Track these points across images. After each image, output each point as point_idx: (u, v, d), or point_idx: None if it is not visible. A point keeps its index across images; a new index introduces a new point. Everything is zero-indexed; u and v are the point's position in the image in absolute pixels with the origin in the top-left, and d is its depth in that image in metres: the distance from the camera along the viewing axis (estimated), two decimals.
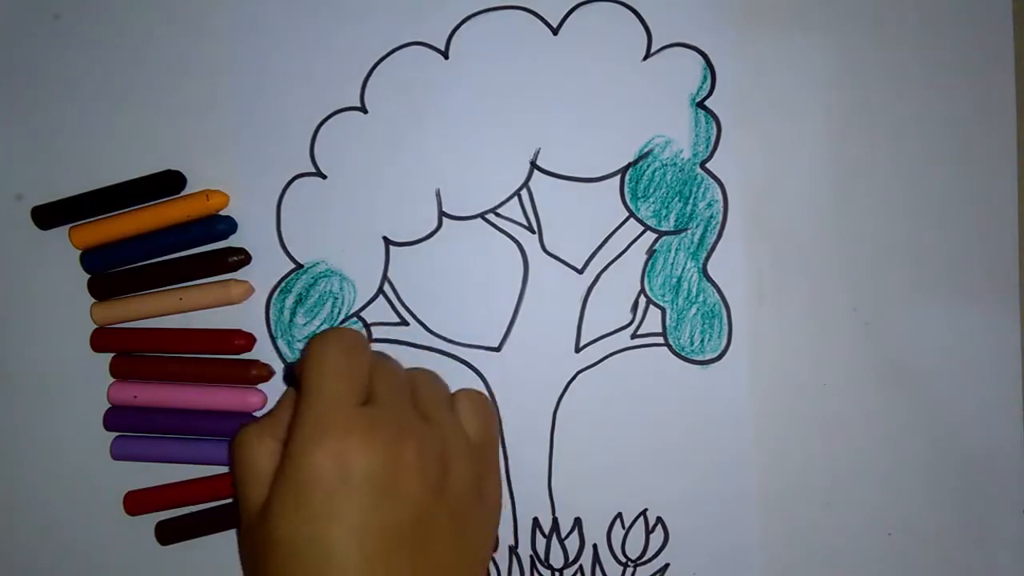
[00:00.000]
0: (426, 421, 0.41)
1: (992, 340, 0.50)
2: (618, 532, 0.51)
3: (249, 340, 0.52)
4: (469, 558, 0.42)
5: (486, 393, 0.49)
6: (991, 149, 0.49)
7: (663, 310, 0.50)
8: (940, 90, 0.49)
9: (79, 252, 0.53)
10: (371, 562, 0.37)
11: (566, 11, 0.50)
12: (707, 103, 0.49)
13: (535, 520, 0.51)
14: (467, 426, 0.44)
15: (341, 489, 0.37)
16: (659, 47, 0.49)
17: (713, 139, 0.49)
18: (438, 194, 0.50)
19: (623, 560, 0.51)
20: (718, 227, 0.50)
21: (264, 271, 0.52)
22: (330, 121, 0.51)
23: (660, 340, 0.50)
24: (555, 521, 0.51)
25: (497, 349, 0.51)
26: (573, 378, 0.50)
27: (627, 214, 0.50)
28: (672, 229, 0.50)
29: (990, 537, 0.50)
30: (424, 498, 0.39)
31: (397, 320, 0.51)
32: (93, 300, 0.53)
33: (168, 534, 0.53)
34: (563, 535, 0.51)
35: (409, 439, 0.39)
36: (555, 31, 0.50)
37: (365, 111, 0.51)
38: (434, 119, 0.50)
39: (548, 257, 0.50)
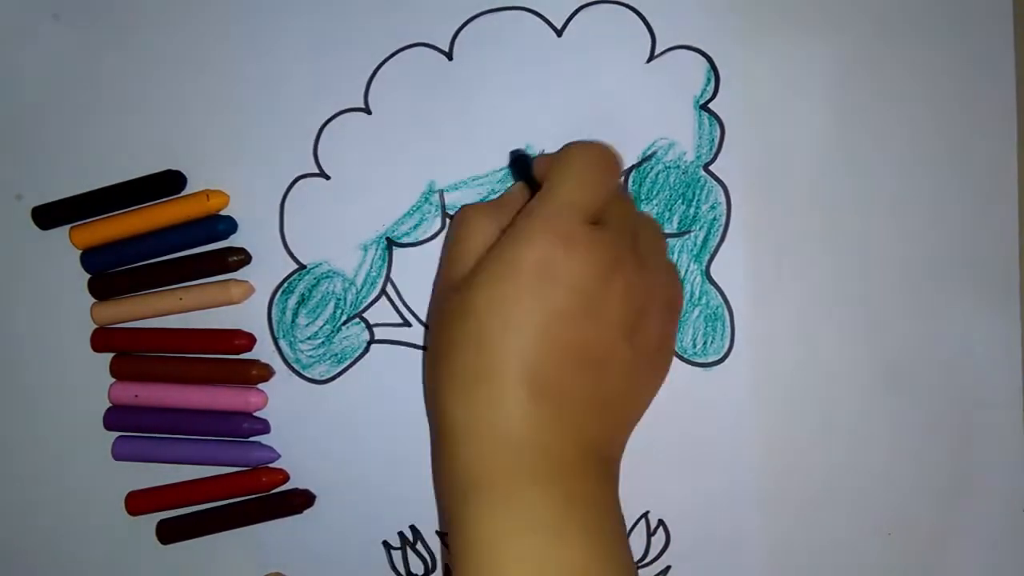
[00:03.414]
0: (640, 264, 0.41)
1: (992, 340, 0.50)
2: None
3: (249, 340, 0.52)
4: (633, 404, 0.44)
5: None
6: (991, 149, 0.49)
7: None
8: (941, 91, 0.49)
9: (79, 252, 0.53)
10: (547, 364, 0.38)
11: (570, 12, 0.49)
12: (711, 105, 0.49)
13: None
14: (668, 286, 0.44)
15: (544, 288, 0.38)
16: (663, 49, 0.49)
17: (717, 141, 0.49)
18: (441, 195, 0.50)
19: None
20: (721, 229, 0.50)
21: (267, 271, 0.52)
22: (333, 122, 0.51)
23: None
24: None
25: None
26: None
27: None
28: (675, 231, 0.50)
29: (990, 536, 0.50)
30: (616, 330, 0.40)
31: (400, 321, 0.51)
32: (93, 300, 0.53)
33: (169, 533, 0.53)
34: None
35: (621, 272, 0.40)
36: (559, 32, 0.50)
37: (369, 112, 0.51)
38: (437, 120, 0.50)
39: None
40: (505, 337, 0.38)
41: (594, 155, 0.42)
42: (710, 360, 0.50)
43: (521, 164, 0.46)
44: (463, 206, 0.44)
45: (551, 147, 0.50)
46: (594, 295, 0.39)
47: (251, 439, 0.52)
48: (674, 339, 0.46)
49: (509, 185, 0.50)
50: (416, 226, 0.50)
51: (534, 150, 0.49)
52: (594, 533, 0.39)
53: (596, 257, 0.39)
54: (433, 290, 0.49)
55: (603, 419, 0.41)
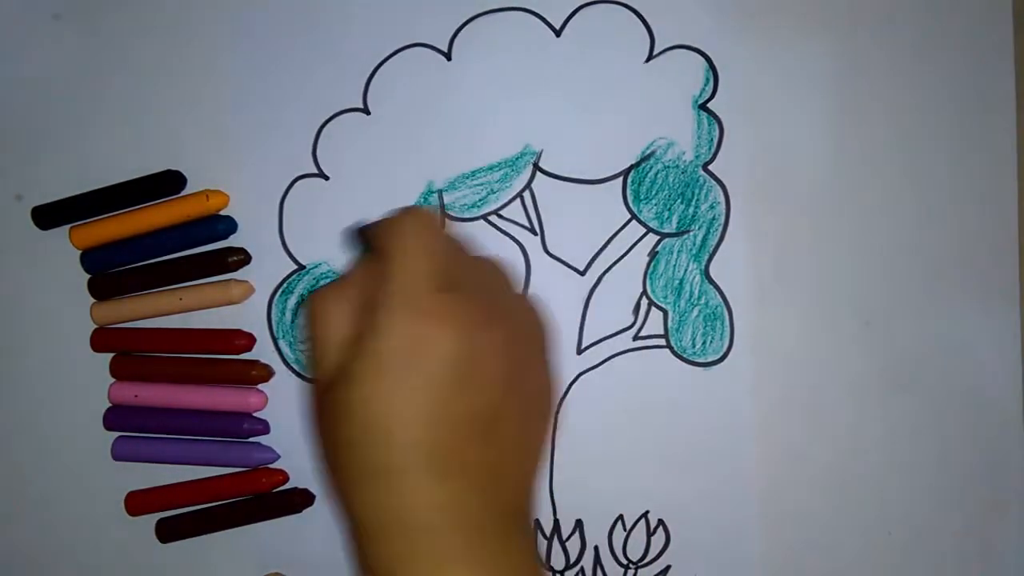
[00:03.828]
0: (501, 313, 0.41)
1: (992, 340, 0.50)
2: (619, 534, 0.51)
3: (249, 340, 0.52)
4: (532, 451, 0.43)
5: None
6: (991, 149, 0.49)
7: (665, 312, 0.50)
8: (941, 91, 0.49)
9: (79, 252, 0.53)
10: (442, 443, 0.38)
11: (569, 13, 0.50)
12: (709, 105, 0.49)
13: (536, 522, 0.51)
14: (527, 323, 0.44)
15: (417, 371, 0.37)
16: (662, 49, 0.49)
17: (715, 141, 0.49)
18: (440, 195, 0.50)
19: (624, 562, 0.51)
20: (720, 229, 0.50)
21: (266, 272, 0.52)
22: (333, 122, 0.51)
23: (662, 342, 0.50)
24: (556, 523, 0.51)
25: None
26: (575, 380, 0.50)
27: (629, 216, 0.50)
28: (674, 231, 0.50)
29: (990, 536, 0.50)
30: (496, 389, 0.39)
31: None
32: (93, 300, 0.53)
33: (168, 532, 0.53)
34: (564, 537, 0.51)
35: (483, 329, 0.39)
36: (558, 33, 0.50)
37: (367, 112, 0.51)
38: (436, 120, 0.50)
39: (550, 259, 0.50)
40: (393, 431, 0.37)
41: (422, 221, 0.40)
42: (709, 359, 0.50)
43: (359, 236, 0.46)
44: (308, 296, 0.44)
45: (550, 147, 0.50)
46: (467, 361, 0.38)
47: (251, 439, 0.52)
48: (547, 369, 0.46)
49: (508, 186, 0.50)
50: None
51: (534, 150, 0.50)
52: None
53: (458, 323, 0.38)
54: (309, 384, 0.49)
55: (509, 477, 0.41)
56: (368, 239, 0.42)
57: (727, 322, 0.50)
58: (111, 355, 0.53)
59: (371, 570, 0.39)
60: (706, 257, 0.50)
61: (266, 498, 0.52)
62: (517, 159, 0.50)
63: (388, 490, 0.38)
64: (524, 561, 0.40)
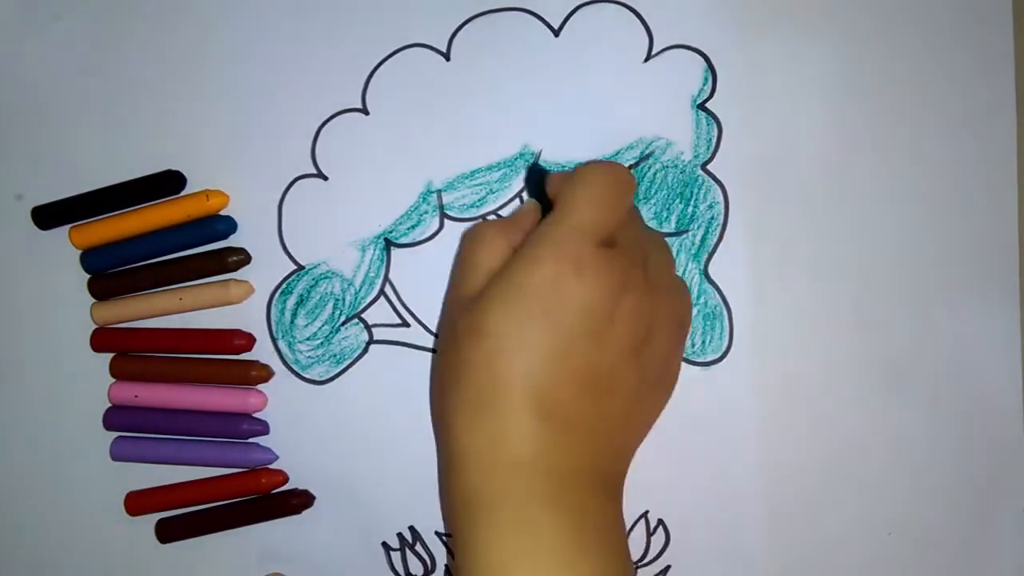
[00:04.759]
0: (649, 285, 0.42)
1: (992, 340, 0.50)
2: None
3: (249, 340, 0.52)
4: (638, 425, 0.44)
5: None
6: (991, 149, 0.49)
7: None
8: (941, 91, 0.49)
9: (79, 252, 0.53)
10: (555, 387, 0.39)
11: (567, 12, 0.50)
12: (708, 105, 0.49)
13: None
14: (676, 306, 0.45)
15: (554, 311, 0.38)
16: (660, 48, 0.49)
17: (714, 141, 0.49)
18: (439, 195, 0.50)
19: None
20: (719, 229, 0.49)
21: (265, 272, 0.52)
22: (331, 122, 0.51)
23: None
24: None
25: None
26: None
27: None
28: (673, 231, 0.50)
29: (990, 536, 0.50)
30: (622, 353, 0.40)
31: (398, 322, 0.51)
32: (93, 300, 0.53)
33: (168, 532, 0.53)
34: None
35: (630, 295, 0.40)
36: (556, 32, 0.50)
37: (367, 112, 0.51)
38: (435, 120, 0.50)
39: None
40: (514, 360, 0.38)
41: (609, 178, 0.42)
42: (708, 359, 0.50)
43: (535, 179, 0.46)
44: (475, 223, 0.44)
45: (549, 147, 0.50)
46: (602, 319, 0.39)
47: (250, 440, 0.52)
48: (680, 358, 0.46)
49: (507, 186, 0.50)
50: (414, 226, 0.50)
51: (533, 150, 0.50)
52: (601, 557, 0.39)
53: (605, 280, 0.39)
54: (443, 305, 0.50)
55: (608, 441, 0.42)
56: (542, 185, 0.43)
57: (726, 322, 0.50)
58: (111, 355, 0.53)
59: (459, 500, 0.40)
60: (705, 257, 0.50)
61: (265, 499, 0.52)
62: (516, 159, 0.50)
63: (490, 419, 0.39)
64: (607, 524, 0.41)
